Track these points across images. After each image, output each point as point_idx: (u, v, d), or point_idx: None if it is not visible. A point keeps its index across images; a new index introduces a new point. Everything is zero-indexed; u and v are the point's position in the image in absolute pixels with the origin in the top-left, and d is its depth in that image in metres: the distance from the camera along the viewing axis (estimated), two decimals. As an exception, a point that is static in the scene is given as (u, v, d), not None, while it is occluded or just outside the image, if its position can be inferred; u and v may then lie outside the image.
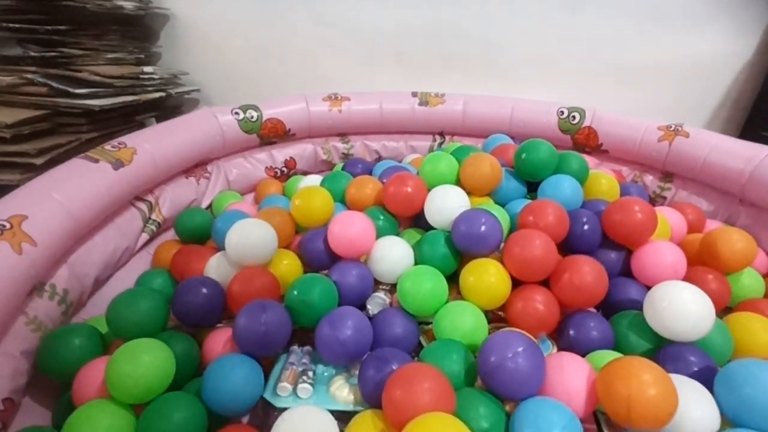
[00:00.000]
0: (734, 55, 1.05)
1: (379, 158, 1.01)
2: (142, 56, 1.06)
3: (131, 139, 0.70)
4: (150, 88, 1.03)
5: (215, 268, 0.60)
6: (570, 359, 0.45)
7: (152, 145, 0.72)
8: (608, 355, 0.48)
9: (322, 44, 1.13)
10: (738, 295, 0.63)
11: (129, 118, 1.02)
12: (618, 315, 0.55)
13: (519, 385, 0.42)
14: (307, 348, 0.55)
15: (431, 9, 1.07)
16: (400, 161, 0.98)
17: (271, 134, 0.93)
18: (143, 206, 0.73)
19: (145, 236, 0.73)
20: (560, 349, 0.54)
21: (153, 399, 0.44)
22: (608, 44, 1.08)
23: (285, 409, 0.46)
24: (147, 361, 0.44)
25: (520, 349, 0.42)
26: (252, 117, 0.89)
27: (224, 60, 1.18)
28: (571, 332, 0.53)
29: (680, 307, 0.48)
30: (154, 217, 0.75)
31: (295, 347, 0.55)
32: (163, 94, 1.05)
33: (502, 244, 0.59)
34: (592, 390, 0.43)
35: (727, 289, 0.60)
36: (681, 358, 0.48)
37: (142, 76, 0.99)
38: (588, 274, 0.52)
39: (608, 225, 0.61)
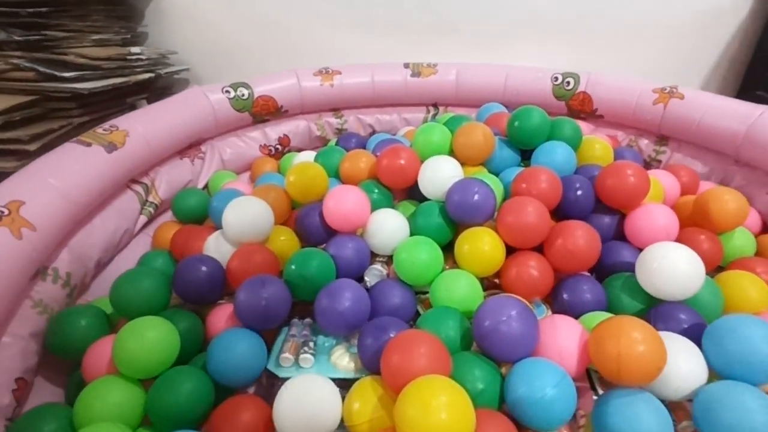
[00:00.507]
0: (730, 11, 1.03)
1: (373, 132, 1.01)
2: (129, 36, 1.04)
3: (123, 122, 0.70)
4: (139, 69, 1.01)
5: (214, 246, 0.61)
6: (562, 321, 0.47)
7: (144, 126, 0.72)
8: (600, 316, 0.50)
9: (311, 16, 1.11)
10: (730, 254, 0.64)
11: (119, 101, 1.01)
12: (611, 277, 0.56)
13: (513, 348, 0.43)
14: (308, 320, 0.57)
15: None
16: (394, 134, 0.98)
17: (264, 112, 0.92)
18: (139, 189, 0.73)
19: (143, 218, 0.73)
20: (555, 312, 0.55)
21: (160, 374, 0.46)
22: (602, 3, 1.05)
23: (288, 378, 0.47)
24: (152, 337, 0.45)
25: (514, 312, 0.44)
26: (243, 95, 0.89)
27: (213, 37, 1.16)
28: (565, 296, 0.54)
29: (670, 266, 0.49)
30: (151, 199, 0.75)
31: (295, 320, 0.56)
32: (152, 74, 1.03)
33: (496, 213, 0.59)
34: (584, 350, 0.45)
35: (719, 249, 0.61)
36: (671, 317, 0.49)
37: (129, 57, 0.98)
38: (581, 238, 0.53)
39: (601, 189, 0.61)
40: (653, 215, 0.61)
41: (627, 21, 1.07)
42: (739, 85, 1.08)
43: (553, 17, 1.07)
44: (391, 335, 0.45)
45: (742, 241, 0.65)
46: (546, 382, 0.40)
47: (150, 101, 0.85)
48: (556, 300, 0.56)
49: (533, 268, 0.53)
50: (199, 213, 0.74)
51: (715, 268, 0.62)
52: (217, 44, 1.16)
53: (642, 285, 0.52)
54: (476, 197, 0.57)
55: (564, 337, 0.45)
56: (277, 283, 0.53)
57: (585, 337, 0.45)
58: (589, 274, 0.59)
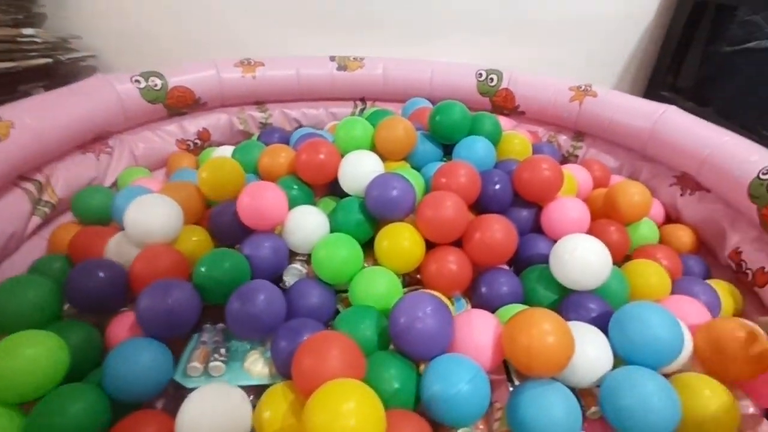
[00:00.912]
0: (638, 16, 1.10)
1: (299, 127, 0.98)
2: (21, 17, 0.93)
3: (7, 111, 0.62)
4: (33, 54, 0.91)
5: (115, 249, 0.55)
6: (477, 315, 0.47)
7: (34, 117, 0.64)
8: (514, 309, 0.51)
9: (232, 4, 1.05)
10: (637, 243, 0.68)
11: (10, 88, 0.90)
12: (527, 270, 0.58)
13: (428, 345, 0.43)
14: (221, 325, 0.53)
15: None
16: (320, 129, 0.96)
17: (180, 104, 0.86)
18: (31, 186, 0.66)
19: (36, 219, 0.66)
20: (474, 306, 0.56)
21: (43, 395, 0.41)
22: (525, 2, 1.08)
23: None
24: (30, 354, 0.40)
25: (429, 309, 0.43)
26: (155, 85, 0.82)
27: (124, 23, 1.07)
28: (483, 289, 0.55)
29: (581, 258, 0.52)
30: (46, 198, 0.68)
31: (207, 325, 0.53)
32: (49, 60, 0.93)
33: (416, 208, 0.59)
34: (500, 343, 0.45)
35: (626, 240, 0.65)
36: (581, 306, 0.51)
37: (20, 40, 0.87)
38: (498, 232, 0.54)
39: (518, 183, 0.63)
40: (566, 208, 0.63)
41: (548, 20, 1.11)
42: (647, 85, 1.16)
43: (477, 14, 1.08)
44: (305, 337, 0.43)
45: (646, 231, 0.70)
46: (460, 377, 0.40)
47: (49, 90, 0.76)
48: (475, 293, 0.57)
49: (452, 263, 0.54)
50: (104, 213, 0.67)
51: (624, 257, 0.65)
52: (130, 30, 1.07)
53: (555, 276, 0.53)
54: (395, 192, 0.56)
55: (480, 331, 0.46)
56: (183, 287, 0.49)
57: (500, 330, 0.46)
58: (507, 267, 0.61)
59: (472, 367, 0.41)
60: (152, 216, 0.54)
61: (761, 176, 0.62)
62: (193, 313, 0.49)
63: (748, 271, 0.63)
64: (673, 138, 0.75)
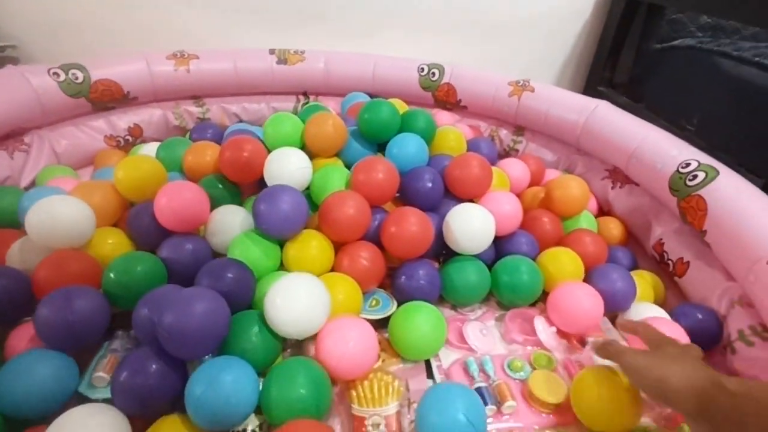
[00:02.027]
0: (577, 13, 1.12)
1: (240, 122, 0.95)
2: (-73, 4, 0.86)
3: None
4: (-58, 44, 0.84)
5: (18, 254, 0.52)
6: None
7: (-71, 112, 0.59)
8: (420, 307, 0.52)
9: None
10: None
11: None
12: (449, 261, 0.59)
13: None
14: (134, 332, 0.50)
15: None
16: (261, 125, 0.93)
17: (106, 98, 0.82)
18: (-70, 188, 0.61)
19: (-64, 223, 0.61)
20: (399, 298, 0.56)
21: None
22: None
23: (107, 401, 0.42)
24: None
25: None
26: (77, 78, 0.78)
27: (47, 11, 1.00)
28: (403, 279, 0.56)
29: (464, 223, 0.56)
30: (-51, 200, 0.62)
31: (119, 332, 0.50)
32: (-40, 50, 0.87)
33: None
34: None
35: (559, 229, 0.66)
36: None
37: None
38: (414, 225, 0.54)
39: (449, 180, 0.63)
40: (499, 202, 0.63)
41: (492, 18, 1.11)
42: (585, 80, 1.19)
43: (420, 9, 1.08)
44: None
45: (586, 224, 0.71)
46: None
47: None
48: (394, 285, 0.57)
49: (365, 259, 0.53)
50: (13, 216, 0.63)
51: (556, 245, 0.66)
52: (53, 20, 1.00)
53: (447, 242, 0.57)
54: (286, 207, 0.52)
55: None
56: (89, 295, 0.46)
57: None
58: (433, 261, 0.61)
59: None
60: (56, 218, 0.50)
61: (680, 170, 0.64)
62: (100, 322, 0.46)
63: (669, 262, 0.66)
64: (604, 133, 0.77)
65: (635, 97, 0.98)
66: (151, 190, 0.59)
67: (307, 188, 0.61)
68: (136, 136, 0.88)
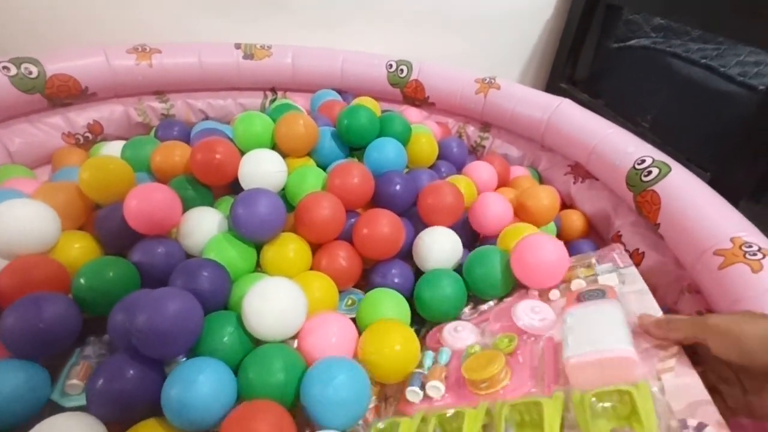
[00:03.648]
0: (540, 11, 1.16)
1: (206, 118, 0.93)
2: None
3: None
4: None
5: (-23, 262, 0.49)
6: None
7: None
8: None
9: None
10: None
11: None
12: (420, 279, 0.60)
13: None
14: (107, 337, 0.50)
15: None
16: (229, 122, 0.92)
17: (63, 94, 0.78)
18: None
19: None
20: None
21: None
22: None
23: (79, 409, 0.41)
24: None
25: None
26: (30, 73, 0.74)
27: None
28: (377, 277, 0.57)
29: (433, 245, 0.58)
30: None
31: (91, 338, 0.49)
32: None
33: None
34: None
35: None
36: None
37: None
38: (385, 226, 0.55)
39: (422, 208, 0.63)
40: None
41: (455, 11, 1.12)
42: (548, 78, 1.23)
43: (385, 5, 1.08)
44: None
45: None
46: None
47: None
48: (370, 284, 0.58)
49: (342, 258, 0.55)
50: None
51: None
52: (2, 12, 0.94)
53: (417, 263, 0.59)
54: (265, 210, 0.53)
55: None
56: (59, 301, 0.45)
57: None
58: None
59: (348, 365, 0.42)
60: (19, 223, 0.48)
61: (636, 166, 0.68)
62: (70, 329, 0.45)
63: (626, 252, 0.70)
64: (566, 129, 0.81)
65: (595, 93, 1.02)
66: (118, 191, 0.57)
67: (282, 189, 0.61)
68: (96, 134, 0.85)
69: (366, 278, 0.60)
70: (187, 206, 0.57)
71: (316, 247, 0.57)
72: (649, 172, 0.65)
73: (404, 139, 0.72)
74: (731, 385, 0.35)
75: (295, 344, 0.48)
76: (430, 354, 0.48)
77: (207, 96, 0.93)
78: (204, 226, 0.55)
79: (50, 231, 0.51)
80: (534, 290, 0.52)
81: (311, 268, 0.56)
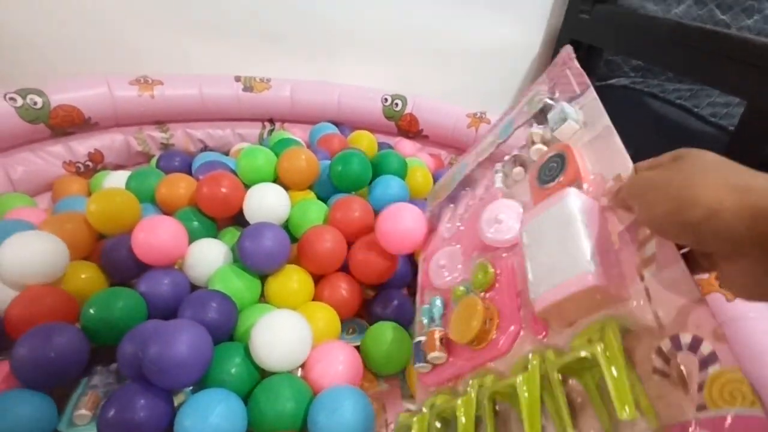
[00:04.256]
0: (525, 49, 1.22)
1: (205, 148, 0.95)
2: None
3: None
4: None
5: (-14, 292, 0.50)
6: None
7: None
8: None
9: (124, 16, 0.99)
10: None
11: None
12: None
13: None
14: (114, 366, 0.51)
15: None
16: (227, 151, 0.94)
17: (66, 123, 0.80)
18: None
19: None
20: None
21: None
22: (424, 29, 1.14)
23: (87, 439, 0.42)
24: None
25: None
26: (35, 103, 0.76)
27: (1, 29, 0.96)
28: (377, 308, 0.59)
29: None
30: None
31: (98, 367, 0.50)
32: None
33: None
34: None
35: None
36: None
37: None
38: (379, 253, 0.57)
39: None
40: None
41: (446, 46, 1.17)
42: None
43: (379, 39, 1.12)
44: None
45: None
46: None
47: None
48: (371, 313, 0.60)
49: (344, 290, 0.57)
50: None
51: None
52: (8, 39, 0.96)
53: None
54: (270, 244, 0.55)
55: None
56: (69, 332, 0.46)
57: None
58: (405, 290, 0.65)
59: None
60: (31, 255, 0.50)
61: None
62: (80, 359, 0.46)
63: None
64: (552, 163, 0.85)
65: (578, 128, 1.07)
66: (124, 222, 0.59)
67: (286, 221, 0.64)
68: (96, 162, 0.86)
69: (366, 308, 0.62)
70: (192, 237, 0.59)
71: (318, 278, 0.59)
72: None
73: (401, 174, 0.75)
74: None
75: (300, 373, 0.49)
76: (426, 310, 0.45)
77: (206, 126, 0.95)
78: (209, 258, 0.57)
79: (60, 262, 0.52)
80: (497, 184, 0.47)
81: (314, 299, 0.58)
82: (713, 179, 0.24)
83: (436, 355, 0.40)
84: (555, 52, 1.15)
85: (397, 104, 1.00)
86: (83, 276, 0.55)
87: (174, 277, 0.55)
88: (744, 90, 0.70)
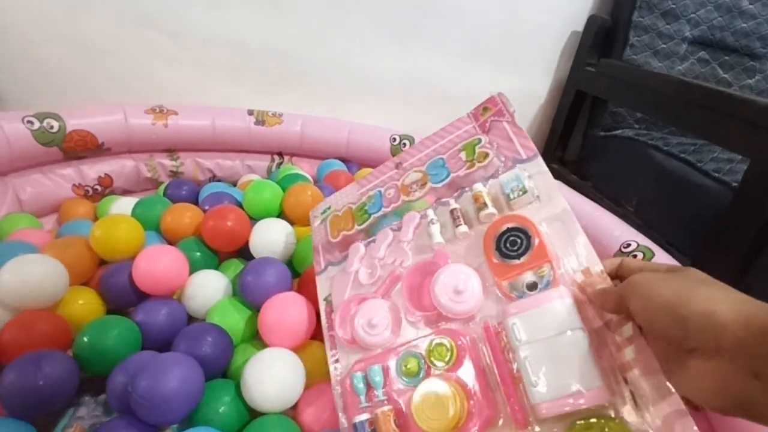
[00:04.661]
0: (532, 98, 1.25)
1: (213, 177, 0.96)
2: None
3: None
4: None
5: (-18, 314, 0.50)
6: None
7: None
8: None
9: (146, 48, 1.03)
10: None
11: None
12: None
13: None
14: (103, 397, 0.49)
15: (268, 26, 1.05)
16: (235, 182, 0.95)
17: (79, 148, 0.81)
18: None
19: None
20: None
21: None
22: (433, 76, 1.18)
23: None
24: None
25: None
26: (51, 127, 0.77)
27: (25, 54, 0.99)
28: None
29: None
30: None
31: (86, 398, 0.49)
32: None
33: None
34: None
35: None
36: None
37: None
38: None
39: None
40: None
41: (457, 95, 1.21)
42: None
43: (391, 83, 1.16)
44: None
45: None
46: None
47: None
48: None
49: None
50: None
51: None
52: (29, 64, 0.99)
53: None
54: (271, 278, 0.55)
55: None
56: (59, 359, 0.45)
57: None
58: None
59: None
60: (31, 279, 0.49)
61: (622, 249, 0.72)
62: (69, 388, 0.45)
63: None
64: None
65: (583, 176, 1.09)
66: (127, 249, 0.59)
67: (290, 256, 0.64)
68: (105, 186, 0.87)
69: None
70: (193, 268, 0.59)
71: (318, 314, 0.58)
72: (635, 256, 0.69)
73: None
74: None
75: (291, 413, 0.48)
76: (359, 378, 0.40)
77: (216, 156, 0.97)
78: (208, 290, 0.57)
79: (59, 287, 0.52)
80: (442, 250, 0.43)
81: (313, 336, 0.57)
82: (714, 286, 0.27)
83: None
84: (560, 101, 1.18)
85: (404, 144, 1.01)
86: (81, 302, 0.55)
87: (172, 307, 0.55)
88: (747, 149, 0.71)
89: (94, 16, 0.99)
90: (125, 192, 0.91)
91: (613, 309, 0.31)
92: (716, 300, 0.25)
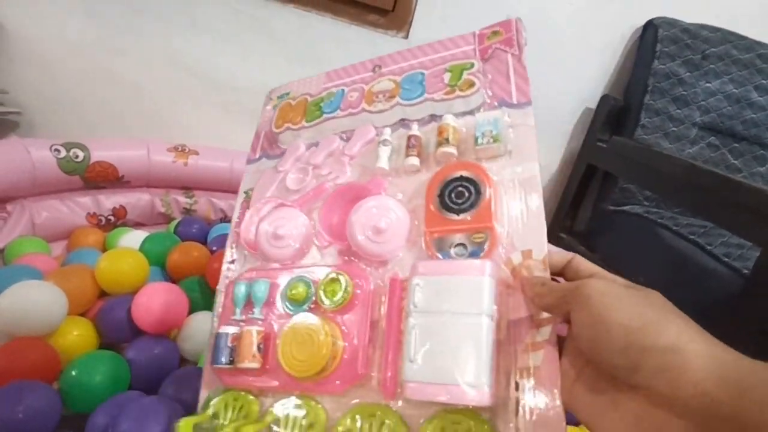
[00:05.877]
0: (543, 168, 1.27)
1: (224, 218, 0.98)
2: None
3: None
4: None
5: (-25, 338, 0.50)
6: None
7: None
8: None
9: (174, 87, 1.08)
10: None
11: None
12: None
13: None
14: (81, 438, 0.48)
15: (292, 76, 1.09)
16: (244, 223, 0.96)
17: (100, 179, 0.84)
18: None
19: None
20: None
21: None
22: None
23: None
24: None
25: None
26: (77, 157, 0.80)
27: (55, 83, 1.05)
28: None
29: None
30: None
31: (64, 437, 0.47)
32: (-32, 112, 0.89)
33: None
34: None
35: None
36: None
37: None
38: None
39: None
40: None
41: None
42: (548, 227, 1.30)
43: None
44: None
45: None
46: None
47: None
48: None
49: None
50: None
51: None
52: (59, 94, 1.05)
53: None
54: None
55: None
56: (42, 392, 0.44)
57: None
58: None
59: None
60: (30, 307, 0.49)
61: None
62: (48, 424, 0.44)
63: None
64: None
65: (591, 248, 1.08)
66: (130, 283, 0.60)
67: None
68: (119, 217, 0.89)
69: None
70: (193, 308, 0.58)
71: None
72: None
73: None
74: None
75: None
76: (241, 287, 0.36)
77: (230, 197, 0.99)
78: (205, 331, 0.56)
79: (57, 316, 0.52)
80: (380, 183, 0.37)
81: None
82: (682, 318, 0.22)
83: (250, 365, 0.33)
84: (572, 172, 1.20)
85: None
86: (75, 333, 0.54)
87: (165, 347, 0.54)
88: (758, 238, 0.70)
89: (131, 55, 1.05)
90: (137, 224, 0.92)
91: (548, 308, 0.27)
92: (687, 336, 0.21)
